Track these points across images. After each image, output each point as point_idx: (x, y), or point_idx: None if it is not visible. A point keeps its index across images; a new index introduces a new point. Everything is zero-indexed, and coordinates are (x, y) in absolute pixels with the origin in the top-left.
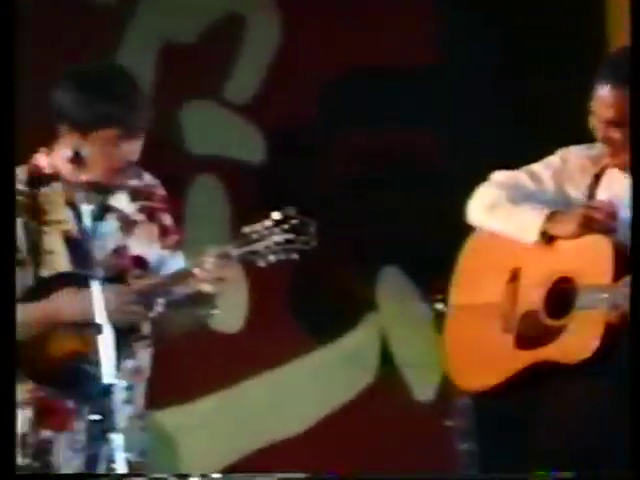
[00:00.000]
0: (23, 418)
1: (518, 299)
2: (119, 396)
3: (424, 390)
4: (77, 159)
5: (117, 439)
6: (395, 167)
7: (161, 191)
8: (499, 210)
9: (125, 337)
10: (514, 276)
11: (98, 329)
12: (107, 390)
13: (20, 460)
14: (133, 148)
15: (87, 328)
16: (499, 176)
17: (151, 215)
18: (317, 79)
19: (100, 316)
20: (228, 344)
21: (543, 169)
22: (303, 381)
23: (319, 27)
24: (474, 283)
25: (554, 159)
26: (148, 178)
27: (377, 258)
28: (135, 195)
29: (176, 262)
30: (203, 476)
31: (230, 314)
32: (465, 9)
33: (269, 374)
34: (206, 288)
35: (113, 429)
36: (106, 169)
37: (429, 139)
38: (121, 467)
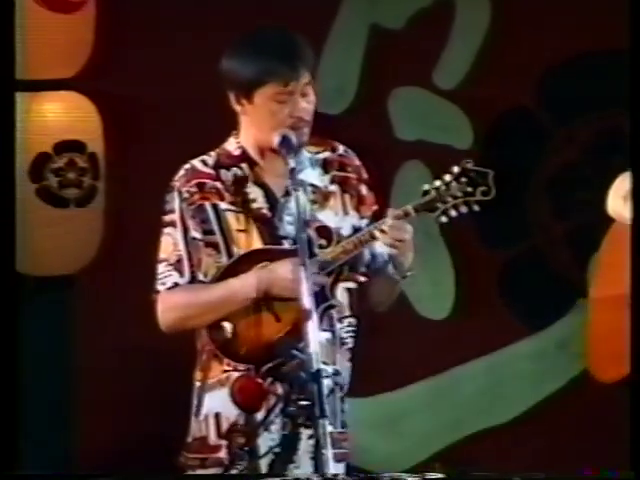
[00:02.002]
0: (218, 397)
1: None
2: (326, 382)
3: None
4: (286, 144)
5: (327, 425)
6: (619, 153)
7: (356, 161)
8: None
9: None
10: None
11: (307, 315)
12: (315, 376)
13: (213, 439)
14: (301, 105)
15: (289, 303)
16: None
17: (345, 185)
18: (529, 64)
19: (309, 303)
20: (436, 331)
21: None
22: (513, 369)
23: (530, 11)
24: (617, 274)
25: None
26: (342, 149)
27: (591, 245)
28: (327, 166)
29: None
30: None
31: (437, 301)
32: None
33: (478, 362)
34: (388, 251)
35: (322, 415)
36: (277, 127)
37: None
38: (330, 454)
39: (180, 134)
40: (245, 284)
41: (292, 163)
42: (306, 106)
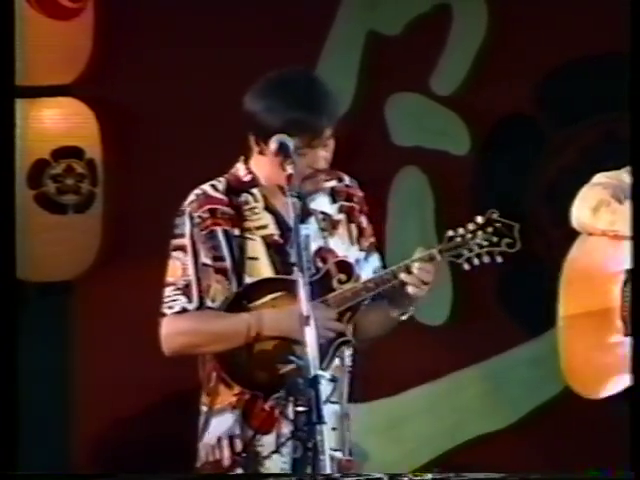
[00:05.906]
0: (230, 420)
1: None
2: (324, 389)
3: None
4: (283, 150)
5: (324, 431)
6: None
7: (359, 192)
8: (604, 209)
9: (328, 347)
10: (630, 277)
11: (306, 321)
12: (313, 382)
13: (227, 461)
14: (321, 156)
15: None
16: (601, 177)
17: (350, 215)
18: (526, 69)
19: (307, 309)
20: (433, 337)
21: None
22: (511, 374)
23: (527, 17)
24: (587, 290)
25: None
26: (347, 179)
27: None
28: (335, 196)
29: (371, 265)
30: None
31: (435, 306)
32: None
33: (476, 367)
34: (410, 291)
35: (319, 421)
36: (294, 176)
37: None
38: (328, 460)
39: (178, 140)
40: (253, 324)
41: (289, 169)
42: (325, 155)
